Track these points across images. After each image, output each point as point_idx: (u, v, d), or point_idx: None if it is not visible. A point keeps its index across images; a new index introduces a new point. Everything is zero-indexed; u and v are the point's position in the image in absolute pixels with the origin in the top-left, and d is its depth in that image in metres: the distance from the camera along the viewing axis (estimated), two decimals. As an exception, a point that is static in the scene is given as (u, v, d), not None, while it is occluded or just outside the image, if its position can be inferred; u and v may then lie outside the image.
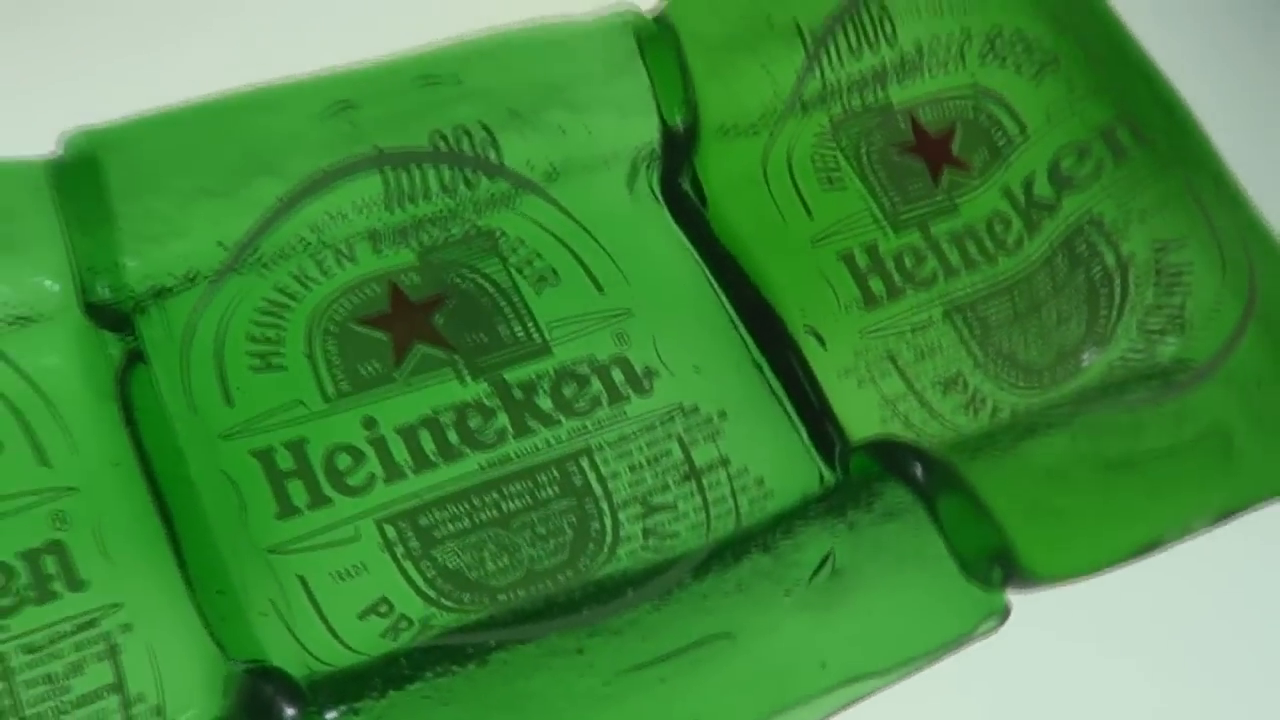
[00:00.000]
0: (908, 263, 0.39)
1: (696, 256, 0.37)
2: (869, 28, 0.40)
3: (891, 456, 0.34)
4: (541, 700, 0.30)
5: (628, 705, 0.30)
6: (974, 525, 0.33)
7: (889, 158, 0.40)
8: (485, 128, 0.36)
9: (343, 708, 0.29)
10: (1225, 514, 0.34)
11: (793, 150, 0.39)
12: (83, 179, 0.33)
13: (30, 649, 0.31)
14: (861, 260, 0.38)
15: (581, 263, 0.36)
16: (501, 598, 0.32)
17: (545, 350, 0.35)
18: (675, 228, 0.38)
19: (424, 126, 0.36)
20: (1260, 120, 0.44)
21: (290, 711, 0.29)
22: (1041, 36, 0.41)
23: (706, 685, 0.30)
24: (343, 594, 0.32)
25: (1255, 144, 0.41)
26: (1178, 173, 0.39)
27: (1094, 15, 0.41)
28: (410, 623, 0.32)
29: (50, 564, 0.31)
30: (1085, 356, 0.38)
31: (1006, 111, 0.41)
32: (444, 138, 0.36)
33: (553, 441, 0.34)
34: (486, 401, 0.34)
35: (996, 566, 0.32)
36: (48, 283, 0.33)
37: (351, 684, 0.30)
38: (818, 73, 0.39)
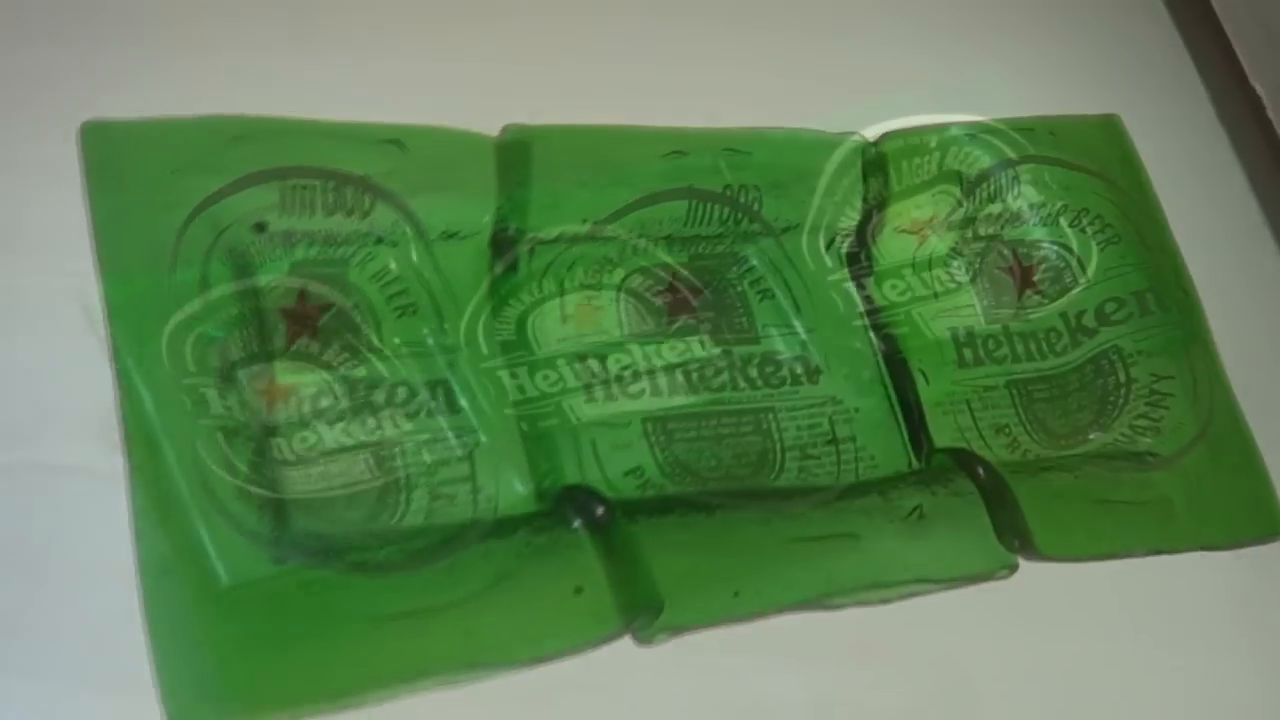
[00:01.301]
0: (990, 345, 0.48)
1: (859, 304, 0.47)
2: (1003, 187, 0.49)
3: (965, 460, 0.44)
4: (741, 543, 0.40)
5: (791, 559, 0.40)
6: (1007, 512, 0.42)
7: (992, 273, 0.49)
8: (757, 189, 0.46)
9: (627, 518, 0.39)
10: (1157, 551, 0.44)
11: (934, 251, 0.49)
12: (516, 156, 0.42)
13: (402, 448, 0.40)
14: (962, 336, 0.48)
15: (789, 289, 0.47)
16: (710, 484, 0.43)
17: (756, 340, 0.46)
18: (849, 283, 0.47)
19: (722, 179, 0.45)
20: (1246, 307, 0.52)
21: (600, 509, 0.39)
22: (1111, 221, 0.49)
23: (838, 561, 0.41)
24: (616, 458, 0.42)
25: (1236, 323, 0.50)
26: (1179, 334, 0.48)
27: (1149, 216, 0.50)
28: (653, 485, 0.42)
29: (440, 392, 0.41)
30: (1091, 434, 0.47)
31: (1078, 263, 0.49)
32: (730, 188, 0.46)
33: (753, 399, 0.45)
34: (718, 362, 0.45)
35: (1016, 539, 0.42)
36: (482, 216, 0.42)
37: (627, 507, 0.40)
38: (963, 207, 0.49)
